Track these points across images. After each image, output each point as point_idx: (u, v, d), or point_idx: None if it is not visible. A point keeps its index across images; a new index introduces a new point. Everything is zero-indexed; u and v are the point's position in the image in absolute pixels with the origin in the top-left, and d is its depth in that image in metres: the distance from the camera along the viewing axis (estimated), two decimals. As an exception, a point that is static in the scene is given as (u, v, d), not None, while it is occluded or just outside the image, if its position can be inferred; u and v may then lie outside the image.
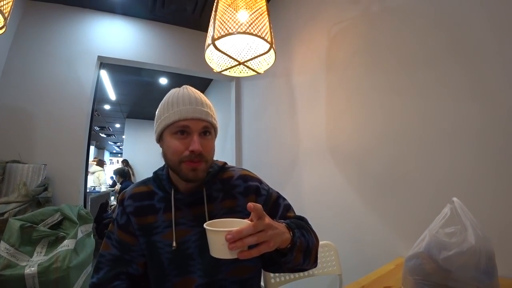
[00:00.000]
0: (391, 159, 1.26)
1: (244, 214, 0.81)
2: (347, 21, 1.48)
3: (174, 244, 0.74)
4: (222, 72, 1.49)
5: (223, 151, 3.21)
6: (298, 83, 1.85)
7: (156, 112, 0.80)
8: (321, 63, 1.66)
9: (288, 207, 0.87)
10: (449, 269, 0.71)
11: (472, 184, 0.98)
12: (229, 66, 1.43)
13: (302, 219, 0.86)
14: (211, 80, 4.37)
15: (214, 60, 1.42)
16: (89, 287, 0.74)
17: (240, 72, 1.47)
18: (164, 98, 0.80)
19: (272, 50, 1.30)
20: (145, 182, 0.85)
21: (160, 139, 0.79)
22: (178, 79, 4.11)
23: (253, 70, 1.42)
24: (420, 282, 0.76)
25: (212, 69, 1.47)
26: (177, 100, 0.75)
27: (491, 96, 0.94)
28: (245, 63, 1.36)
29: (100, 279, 0.74)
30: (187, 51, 2.75)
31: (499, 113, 0.92)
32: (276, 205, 0.85)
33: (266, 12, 1.23)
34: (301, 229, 0.72)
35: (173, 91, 0.80)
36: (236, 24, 1.15)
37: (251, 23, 1.15)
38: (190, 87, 0.81)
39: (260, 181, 0.88)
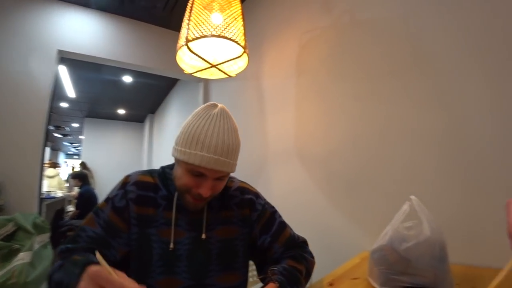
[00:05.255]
0: (355, 161, 1.35)
1: (238, 226, 0.83)
2: (318, 30, 1.55)
3: (171, 245, 0.74)
4: (193, 74, 1.48)
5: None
6: (268, 87, 1.90)
7: (182, 129, 0.75)
8: (292, 69, 1.72)
9: (284, 225, 0.90)
10: (409, 258, 0.79)
11: (427, 183, 1.09)
12: (201, 68, 1.43)
13: (299, 244, 0.90)
14: (177, 80, 4.28)
15: (186, 61, 1.41)
16: (59, 250, 0.69)
17: (211, 74, 1.47)
18: (194, 119, 0.73)
19: (245, 54, 1.33)
20: (151, 172, 0.82)
21: (175, 158, 0.76)
22: (143, 78, 3.96)
23: (225, 73, 1.44)
24: (384, 272, 0.83)
25: (183, 70, 1.46)
26: (204, 140, 0.69)
27: (445, 105, 1.06)
28: (217, 66, 1.37)
29: (75, 247, 0.69)
30: (155, 49, 2.68)
31: (451, 120, 1.04)
32: (270, 221, 0.87)
33: (241, 16, 1.25)
34: (293, 285, 0.73)
35: (205, 117, 0.72)
36: (211, 26, 1.16)
37: (226, 27, 1.17)
38: (227, 116, 0.75)
39: (257, 195, 0.90)
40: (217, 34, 1.15)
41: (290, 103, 1.71)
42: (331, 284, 0.93)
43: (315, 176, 1.54)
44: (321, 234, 1.50)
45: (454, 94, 1.03)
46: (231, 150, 0.72)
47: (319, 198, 1.51)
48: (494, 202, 0.98)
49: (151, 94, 5.02)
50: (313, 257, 0.91)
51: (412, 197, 0.85)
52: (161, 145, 5.51)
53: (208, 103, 0.77)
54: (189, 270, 0.74)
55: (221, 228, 0.80)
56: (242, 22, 1.26)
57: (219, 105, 0.76)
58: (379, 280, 0.84)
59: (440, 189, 1.05)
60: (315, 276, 1.16)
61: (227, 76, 1.47)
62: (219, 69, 1.38)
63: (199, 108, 0.76)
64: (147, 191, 0.77)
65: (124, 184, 0.78)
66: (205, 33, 1.14)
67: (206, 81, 2.89)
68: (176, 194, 0.77)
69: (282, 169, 1.74)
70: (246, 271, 0.85)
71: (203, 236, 0.77)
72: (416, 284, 0.77)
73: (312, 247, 1.45)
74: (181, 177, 0.73)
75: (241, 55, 1.31)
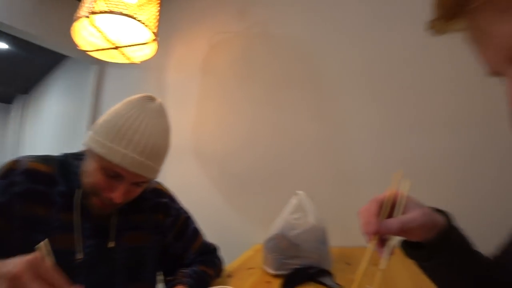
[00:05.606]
0: (250, 161, 1.48)
1: (150, 232, 0.76)
2: (229, 34, 1.61)
3: (80, 255, 0.60)
4: (89, 52, 1.30)
5: (73, 143, 2.71)
6: (171, 81, 1.83)
7: (106, 117, 0.61)
8: (198, 66, 1.72)
9: (197, 232, 0.87)
10: (298, 243, 0.92)
11: (310, 180, 1.33)
12: (100, 47, 1.27)
13: (211, 251, 0.89)
14: (65, 57, 3.62)
15: (84, 36, 1.23)
16: None
17: (111, 57, 1.32)
18: (125, 108, 0.61)
19: (154, 42, 1.26)
20: (47, 159, 0.64)
21: (89, 149, 0.61)
22: (20, 47, 3.17)
23: (128, 58, 1.32)
24: (278, 258, 0.93)
25: (77, 46, 1.26)
26: (133, 137, 0.59)
27: (326, 117, 1.34)
28: (122, 49, 1.25)
29: None
30: (44, 13, 2.15)
31: (330, 129, 1.32)
32: (184, 227, 0.83)
33: (157, 1, 1.18)
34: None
35: (140, 109, 0.62)
36: (123, 3, 1.05)
37: (139, 8, 1.08)
38: (164, 114, 0.66)
39: (172, 199, 0.84)
40: (128, 14, 1.05)
41: (192, 100, 1.70)
42: (230, 276, 0.97)
43: (211, 174, 1.59)
44: (217, 230, 1.53)
45: (334, 109, 1.33)
46: (160, 154, 0.64)
47: (215, 195, 1.56)
48: (362, 195, 1.26)
49: (27, 69, 4.03)
50: (222, 263, 0.93)
51: (299, 191, 1.02)
52: (35, 135, 4.50)
53: (145, 94, 0.67)
54: (89, 286, 0.62)
55: (130, 234, 0.71)
56: (158, 8, 1.19)
57: (158, 100, 0.67)
58: (274, 266, 0.93)
59: (320, 185, 1.31)
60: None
61: (129, 62, 1.34)
62: (122, 53, 1.26)
63: (133, 98, 0.65)
64: (39, 184, 0.61)
65: (9, 171, 0.60)
66: (114, 9, 1.02)
67: (103, 64, 2.54)
68: (78, 192, 0.63)
69: (178, 166, 1.70)
70: (154, 282, 0.79)
71: (111, 244, 0.66)
72: (304, 265, 0.90)
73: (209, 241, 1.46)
74: (91, 174, 0.61)
75: (149, 42, 1.24)
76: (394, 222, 0.41)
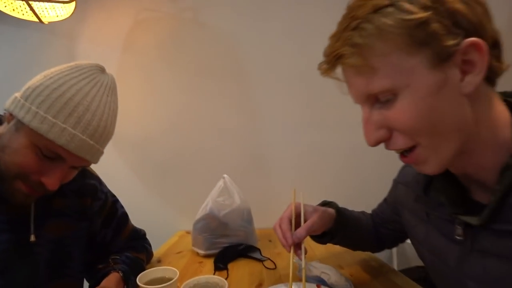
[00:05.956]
0: (172, 146, 1.45)
1: (75, 219, 0.65)
2: (159, 13, 1.51)
3: None
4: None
5: None
6: (84, 53, 1.59)
7: (44, 80, 0.49)
8: (118, 40, 1.55)
9: (126, 218, 0.81)
10: (227, 222, 0.97)
11: (235, 166, 1.40)
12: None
13: (140, 237, 0.85)
14: None
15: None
16: None
17: (12, 9, 1.08)
18: (72, 76, 0.50)
19: (73, 3, 1.09)
20: None
21: (17, 118, 0.48)
22: None
23: (36, 16, 1.09)
24: (208, 237, 0.95)
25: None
26: (83, 115, 0.50)
27: (249, 108, 1.44)
28: (30, 2, 1.03)
29: None
30: None
31: (249, 118, 1.44)
32: (112, 212, 0.76)
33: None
34: (136, 274, 0.68)
35: (92, 82, 0.53)
36: None
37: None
38: (115, 92, 0.57)
39: (100, 181, 0.75)
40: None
41: (109, 77, 1.54)
42: (159, 261, 0.95)
43: (130, 160, 1.48)
44: (139, 218, 1.44)
45: (254, 100, 1.45)
46: (109, 138, 0.58)
47: (134, 183, 1.47)
48: (281, 181, 1.42)
49: None
50: (151, 248, 0.90)
51: (225, 175, 1.08)
52: None
53: (95, 63, 0.57)
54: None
55: (52, 223, 0.61)
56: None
57: (109, 73, 0.59)
58: (204, 246, 0.96)
59: (244, 171, 1.40)
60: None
61: (36, 20, 1.11)
62: (31, 8, 1.03)
63: (81, 64, 0.55)
64: None
65: None
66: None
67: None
68: None
69: None
70: (82, 278, 0.70)
71: (32, 238, 0.55)
72: (233, 242, 0.95)
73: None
74: (17, 152, 0.49)
75: (68, 2, 1.06)
76: (302, 232, 0.58)
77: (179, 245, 1.13)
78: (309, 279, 0.62)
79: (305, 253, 0.59)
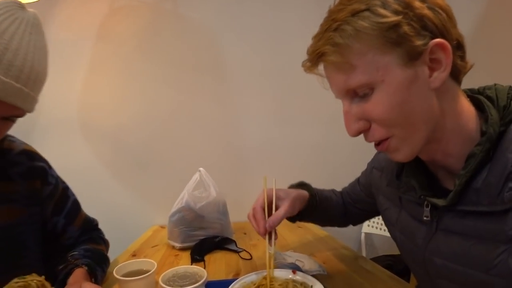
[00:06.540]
0: (147, 137, 1.42)
1: (24, 204, 0.61)
2: (136, 1, 1.46)
3: None
4: None
5: None
6: (55, 38, 1.47)
7: None
8: (93, 27, 1.47)
9: (78, 205, 0.76)
10: (203, 215, 0.97)
11: (210, 159, 1.39)
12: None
13: (94, 227, 0.81)
14: None
15: None
16: None
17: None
18: None
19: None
20: None
21: None
22: None
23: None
24: (184, 230, 0.95)
25: None
26: (3, 56, 0.45)
27: (227, 103, 1.45)
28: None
29: None
30: None
31: (229, 114, 1.46)
32: (64, 199, 0.71)
33: None
34: (101, 265, 0.67)
35: (9, 19, 0.46)
36: None
37: None
38: (40, 30, 0.51)
39: (49, 165, 0.70)
40: None
41: (81, 66, 1.45)
42: (134, 255, 0.94)
43: (102, 152, 1.42)
44: (111, 213, 1.39)
45: (232, 95, 1.46)
46: (39, 80, 0.53)
47: (106, 175, 1.42)
48: (256, 175, 1.40)
49: None
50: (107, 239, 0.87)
51: (201, 168, 1.08)
52: None
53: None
54: None
55: (0, 210, 0.58)
56: None
57: (31, 10, 0.52)
58: (180, 239, 0.95)
59: (219, 164, 1.39)
60: (113, 254, 1.07)
61: None
62: None
63: None
64: None
65: None
66: None
67: None
68: None
69: (61, 145, 1.43)
70: (41, 267, 0.65)
71: None
72: (209, 235, 0.96)
73: (101, 227, 1.35)
74: None
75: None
76: (276, 220, 0.61)
77: (154, 239, 1.11)
78: (284, 266, 0.64)
79: (275, 238, 0.62)
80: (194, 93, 1.44)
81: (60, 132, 1.43)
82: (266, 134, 1.46)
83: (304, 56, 0.46)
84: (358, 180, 0.79)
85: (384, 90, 0.40)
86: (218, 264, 0.84)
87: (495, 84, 0.45)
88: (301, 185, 0.77)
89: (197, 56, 1.44)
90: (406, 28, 0.37)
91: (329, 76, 0.45)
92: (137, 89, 1.43)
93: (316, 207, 0.73)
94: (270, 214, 0.62)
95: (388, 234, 1.25)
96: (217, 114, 1.45)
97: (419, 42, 0.38)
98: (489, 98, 0.43)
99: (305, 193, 0.72)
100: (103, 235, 0.85)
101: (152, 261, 0.63)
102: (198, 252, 0.88)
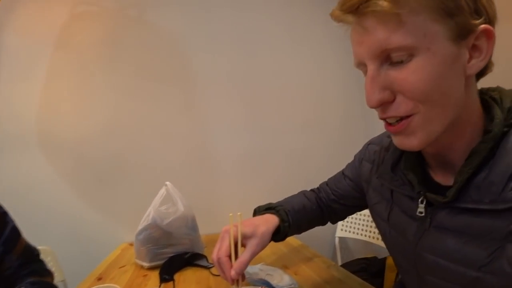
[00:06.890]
0: (110, 150, 1.36)
1: None
2: (99, 7, 1.40)
3: None
4: None
5: None
6: (11, 44, 1.39)
7: None
8: (51, 35, 1.39)
9: (17, 232, 0.70)
10: (171, 231, 0.93)
11: (178, 171, 1.37)
12: None
13: (35, 258, 0.73)
14: None
15: None
16: None
17: None
18: None
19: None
20: None
21: None
22: None
23: None
24: (152, 248, 0.90)
25: None
26: None
27: (194, 113, 1.43)
28: None
29: None
30: None
31: (197, 124, 1.43)
32: (1, 225, 0.65)
33: None
34: None
35: None
36: None
37: None
38: None
39: None
40: None
41: (39, 76, 1.36)
42: (99, 279, 0.88)
43: (63, 167, 1.34)
44: (73, 233, 1.32)
45: (201, 106, 1.43)
46: None
47: (68, 192, 1.33)
48: (225, 185, 1.43)
49: None
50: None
51: (167, 183, 1.04)
52: None
53: None
54: None
55: None
56: None
57: None
58: (148, 258, 0.90)
59: (188, 176, 1.38)
60: (75, 280, 0.99)
61: None
62: None
63: None
64: None
65: None
66: None
67: None
68: None
69: (18, 161, 1.33)
70: None
71: None
72: (178, 252, 0.92)
73: (65, 248, 1.27)
74: None
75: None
76: (242, 266, 0.55)
77: (122, 259, 1.06)
78: (254, 282, 0.62)
79: (243, 279, 0.58)
80: (160, 103, 1.39)
81: (18, 147, 1.33)
82: (237, 142, 1.44)
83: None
84: (343, 174, 0.72)
85: (427, 60, 0.36)
86: (188, 282, 0.80)
87: (497, 86, 0.45)
88: (269, 209, 0.69)
89: (163, 65, 1.41)
90: (463, 2, 0.35)
91: (366, 30, 0.38)
92: (99, 100, 1.37)
93: (290, 227, 0.67)
94: (236, 253, 0.58)
95: (361, 237, 1.29)
96: (184, 124, 1.41)
97: (472, 20, 0.36)
98: (493, 99, 0.43)
99: (274, 220, 0.65)
100: (46, 265, 0.77)
101: (116, 286, 0.59)
102: (167, 271, 0.84)
